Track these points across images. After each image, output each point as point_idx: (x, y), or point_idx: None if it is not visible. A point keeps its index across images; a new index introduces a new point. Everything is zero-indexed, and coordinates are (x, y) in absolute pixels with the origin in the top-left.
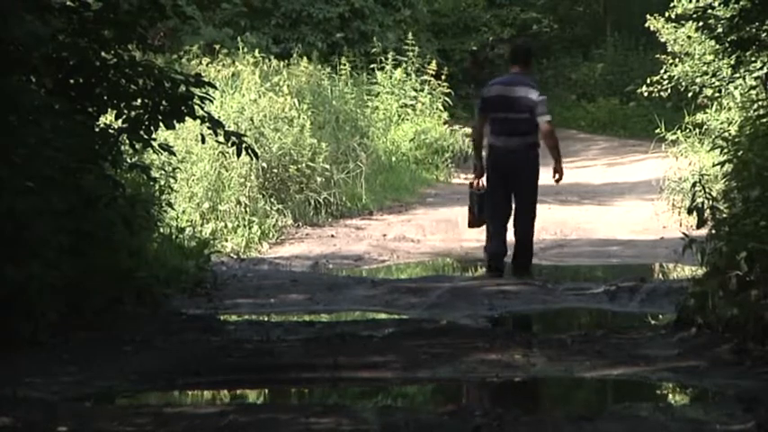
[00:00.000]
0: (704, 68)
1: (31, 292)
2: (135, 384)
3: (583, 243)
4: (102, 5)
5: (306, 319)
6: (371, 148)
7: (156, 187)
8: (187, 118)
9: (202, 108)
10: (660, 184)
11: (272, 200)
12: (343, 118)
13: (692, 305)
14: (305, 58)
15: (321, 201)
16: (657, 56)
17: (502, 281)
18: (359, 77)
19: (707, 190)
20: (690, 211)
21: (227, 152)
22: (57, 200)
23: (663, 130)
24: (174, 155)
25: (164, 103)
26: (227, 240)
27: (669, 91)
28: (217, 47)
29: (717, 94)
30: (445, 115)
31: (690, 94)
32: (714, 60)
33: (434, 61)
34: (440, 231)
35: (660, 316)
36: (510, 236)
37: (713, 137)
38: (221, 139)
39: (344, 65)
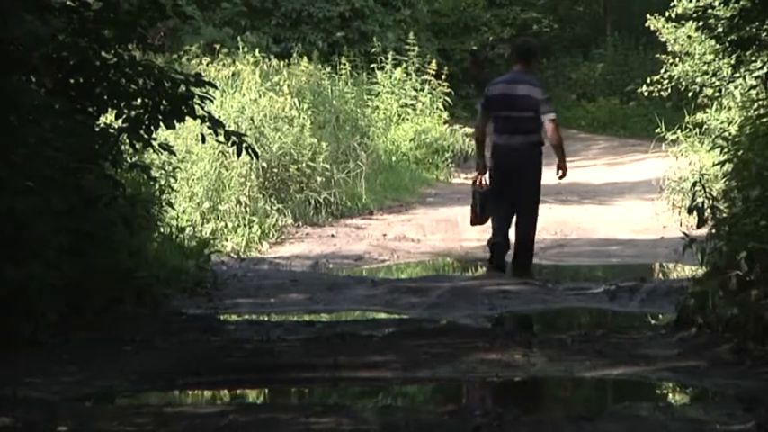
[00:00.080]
0: (704, 68)
1: (31, 292)
2: (135, 384)
3: (583, 243)
4: (103, 5)
5: (306, 318)
6: (372, 148)
7: (157, 187)
8: (187, 118)
9: (203, 108)
10: (660, 184)
11: (273, 199)
12: (344, 118)
13: (692, 305)
14: (305, 57)
15: (321, 200)
16: (657, 55)
17: (502, 280)
18: (359, 77)
19: (707, 190)
20: (690, 211)
21: (228, 152)
22: (57, 200)
23: (663, 129)
24: (175, 154)
25: (164, 102)
26: (227, 240)
27: (669, 91)
28: (217, 46)
29: (717, 94)
30: (445, 115)
31: (690, 94)
32: (714, 60)
33: (434, 61)
34: (440, 231)
35: (660, 316)
36: (512, 234)
37: (713, 136)
38: (221, 138)
39: (345, 64)
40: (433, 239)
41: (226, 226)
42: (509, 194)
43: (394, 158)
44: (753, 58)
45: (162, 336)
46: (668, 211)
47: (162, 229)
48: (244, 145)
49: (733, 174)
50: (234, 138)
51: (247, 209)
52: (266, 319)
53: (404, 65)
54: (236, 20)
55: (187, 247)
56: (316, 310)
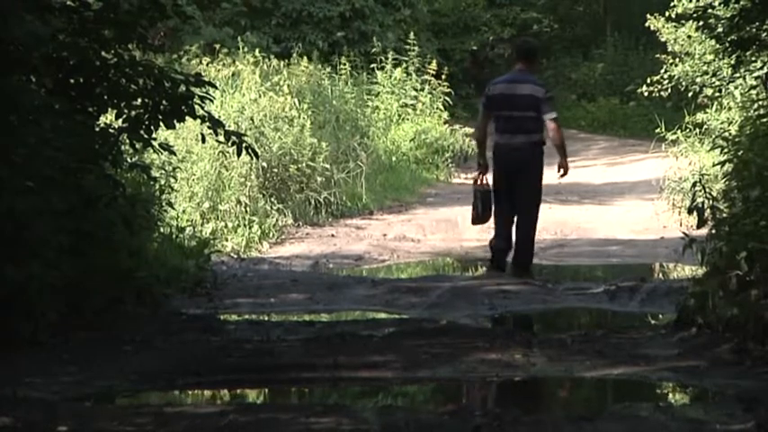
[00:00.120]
0: (704, 68)
1: (31, 292)
2: (135, 384)
3: (583, 243)
4: (103, 5)
5: (306, 318)
6: (372, 148)
7: (157, 187)
8: (187, 117)
9: (203, 108)
10: (660, 184)
11: (273, 199)
12: (344, 117)
13: (692, 305)
14: (305, 57)
15: (321, 200)
16: (657, 55)
17: (502, 280)
18: (359, 77)
19: (707, 190)
20: (690, 211)
21: (228, 152)
22: (57, 200)
23: (663, 129)
24: (175, 154)
25: (164, 102)
26: (227, 240)
27: (669, 91)
28: (217, 46)
29: (717, 94)
30: (445, 115)
31: (690, 94)
32: (714, 60)
33: (435, 61)
34: (440, 231)
35: (660, 316)
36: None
37: (713, 136)
38: (221, 138)
39: (345, 64)
40: (433, 239)
41: (226, 226)
42: (510, 194)
43: (394, 158)
44: (753, 58)
45: (162, 336)
46: (668, 211)
47: (162, 229)
48: (244, 145)
49: (733, 174)
50: (234, 138)
51: (247, 209)
52: (266, 319)
53: (404, 65)
54: (237, 20)
55: (187, 247)
56: (316, 310)
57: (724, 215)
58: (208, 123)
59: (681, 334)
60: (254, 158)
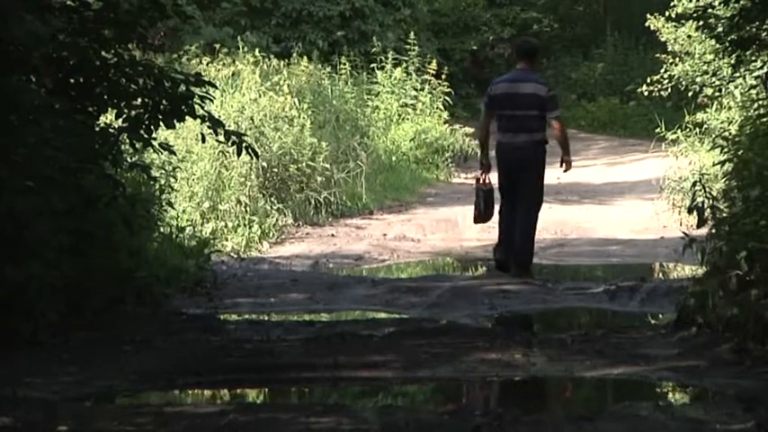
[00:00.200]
0: (704, 68)
1: (31, 292)
2: (135, 384)
3: (583, 242)
4: (103, 5)
5: (306, 318)
6: (372, 148)
7: (157, 187)
8: (187, 117)
9: (203, 107)
10: (660, 184)
11: (273, 199)
12: (344, 117)
13: (692, 305)
14: (305, 57)
15: (321, 200)
16: (657, 55)
17: (502, 280)
18: (359, 77)
19: (707, 189)
20: (690, 211)
21: (228, 151)
22: (57, 200)
23: (663, 129)
24: (175, 154)
25: (164, 102)
26: (227, 240)
27: (669, 90)
28: (217, 46)
29: (717, 94)
30: (445, 115)
31: (690, 94)
32: (714, 60)
33: (435, 61)
34: (440, 231)
35: (660, 315)
36: None
37: (713, 136)
38: (221, 138)
39: (345, 64)
40: (433, 239)
41: (226, 226)
42: (513, 193)
43: (394, 158)
44: (753, 58)
45: (162, 336)
46: (668, 210)
47: (162, 229)
48: (244, 145)
49: (733, 173)
50: (234, 137)
51: (247, 208)
52: (266, 318)
53: (404, 64)
54: (236, 19)
55: (187, 247)
56: (316, 309)
57: (724, 215)
58: (208, 123)
59: (681, 334)
60: (254, 158)
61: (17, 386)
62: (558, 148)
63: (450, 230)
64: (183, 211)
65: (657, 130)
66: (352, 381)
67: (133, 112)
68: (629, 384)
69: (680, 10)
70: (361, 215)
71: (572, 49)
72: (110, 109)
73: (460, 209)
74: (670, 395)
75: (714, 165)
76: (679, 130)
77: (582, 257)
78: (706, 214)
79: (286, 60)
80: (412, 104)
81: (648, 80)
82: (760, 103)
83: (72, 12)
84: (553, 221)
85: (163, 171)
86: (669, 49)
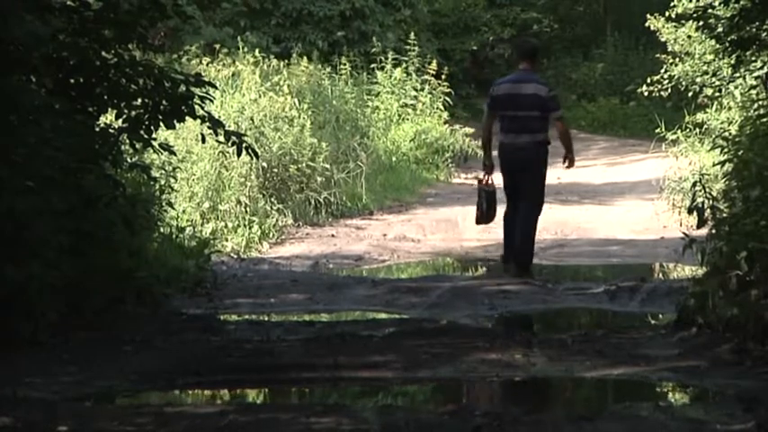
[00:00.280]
0: (704, 68)
1: (31, 292)
2: (135, 384)
3: (583, 243)
4: (103, 5)
5: (306, 318)
6: (372, 148)
7: (157, 187)
8: (187, 117)
9: (203, 108)
10: (660, 184)
11: (273, 199)
12: (344, 118)
13: (692, 305)
14: (305, 57)
15: (321, 200)
16: (657, 55)
17: (502, 280)
18: (359, 77)
19: (707, 190)
20: (690, 211)
21: (228, 152)
22: (57, 200)
23: (663, 129)
24: (175, 154)
25: (164, 102)
26: (227, 240)
27: (669, 90)
28: (217, 46)
29: (717, 94)
30: (445, 115)
31: (690, 94)
32: (714, 60)
33: (435, 61)
34: (440, 231)
35: (660, 316)
36: None
37: (713, 136)
38: (221, 138)
39: (345, 64)
40: (433, 239)
41: (226, 226)
42: (516, 194)
43: (394, 158)
44: (753, 58)
45: (162, 336)
46: (668, 211)
47: (162, 229)
48: (244, 145)
49: (733, 174)
50: (234, 138)
51: (247, 209)
52: (266, 319)
53: (404, 65)
54: (237, 20)
55: (187, 247)
56: (316, 310)
57: (724, 215)
58: (208, 123)
59: (681, 334)
60: (254, 158)
61: (17, 386)
62: (560, 148)
63: (451, 231)
64: (183, 212)
65: (657, 130)
66: (353, 381)
67: (133, 113)
68: (630, 384)
69: (680, 10)
70: (361, 215)
71: (572, 49)
72: (110, 109)
73: (461, 209)
74: (670, 395)
75: (714, 165)
76: (679, 131)
77: (582, 258)
78: (706, 215)
79: (286, 61)
80: (412, 105)
81: (648, 80)
82: (760, 103)
83: (72, 12)
84: (553, 222)
85: (163, 171)
86: (669, 49)
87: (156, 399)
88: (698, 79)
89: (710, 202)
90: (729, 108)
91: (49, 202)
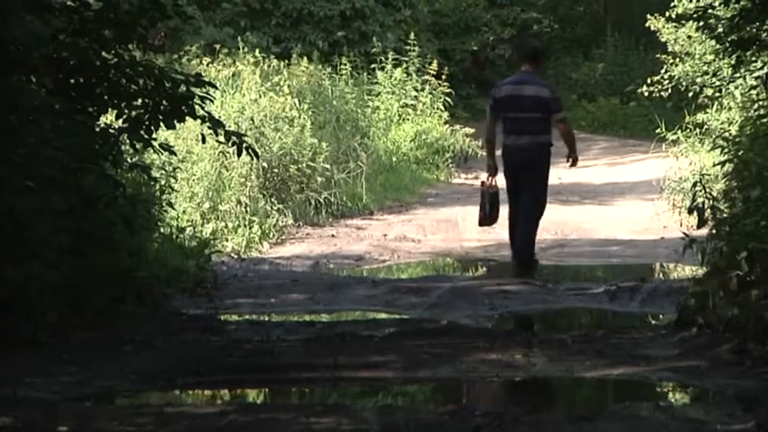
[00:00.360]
0: (705, 68)
1: (31, 292)
2: (135, 384)
3: (583, 243)
4: (103, 5)
5: (306, 318)
6: (372, 148)
7: (157, 187)
8: (187, 118)
9: (203, 108)
10: (660, 184)
11: (273, 200)
12: (344, 118)
13: (692, 305)
14: (305, 57)
15: (322, 200)
16: (658, 56)
17: (502, 280)
18: (359, 77)
19: (707, 190)
20: (690, 211)
21: (228, 152)
22: (57, 200)
23: (663, 129)
24: (175, 154)
25: (164, 102)
26: (227, 240)
27: (669, 91)
28: (217, 47)
29: (717, 94)
30: (446, 115)
31: (690, 94)
32: (714, 60)
33: (435, 61)
34: (440, 231)
35: (661, 316)
36: None
37: (714, 137)
38: (222, 138)
39: (345, 65)
40: (433, 239)
41: (226, 226)
42: (519, 196)
43: (394, 159)
44: (753, 59)
45: (162, 336)
46: (668, 211)
47: (162, 230)
48: (244, 145)
49: (733, 174)
50: (234, 138)
51: (248, 209)
52: (266, 319)
53: (404, 65)
54: (237, 20)
55: (187, 248)
56: (316, 310)
57: (724, 215)
58: (208, 123)
59: (681, 334)
60: (255, 159)
61: (17, 386)
62: (563, 148)
63: (451, 231)
64: (184, 212)
65: (658, 130)
66: (353, 381)
67: (133, 113)
68: (630, 385)
69: (680, 10)
70: (361, 216)
71: (572, 49)
72: (110, 109)
73: (461, 209)
74: (670, 395)
75: (714, 165)
76: (679, 131)
77: (582, 258)
78: (706, 215)
79: (286, 61)
80: (412, 105)
81: (649, 81)
82: (760, 103)
83: (72, 12)
84: (553, 222)
85: (163, 171)
86: (669, 49)
87: (157, 399)
88: (698, 79)
89: (711, 202)
90: (730, 108)
91: (49, 202)
